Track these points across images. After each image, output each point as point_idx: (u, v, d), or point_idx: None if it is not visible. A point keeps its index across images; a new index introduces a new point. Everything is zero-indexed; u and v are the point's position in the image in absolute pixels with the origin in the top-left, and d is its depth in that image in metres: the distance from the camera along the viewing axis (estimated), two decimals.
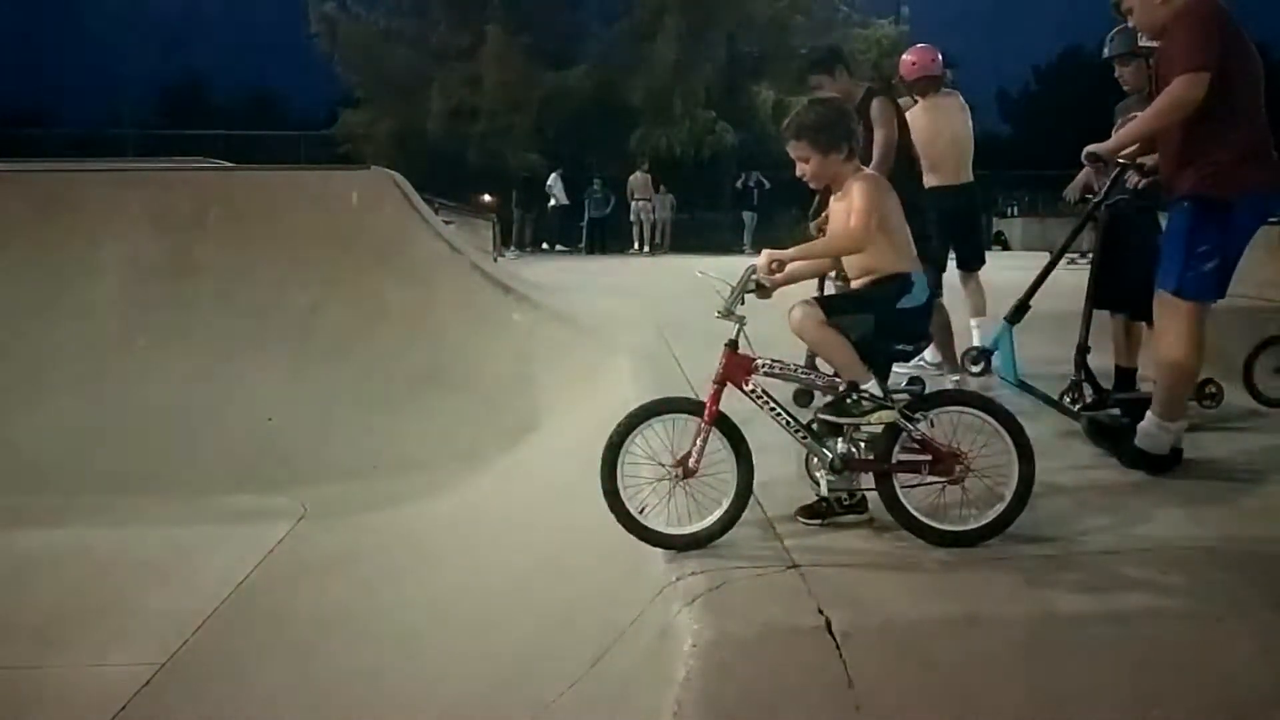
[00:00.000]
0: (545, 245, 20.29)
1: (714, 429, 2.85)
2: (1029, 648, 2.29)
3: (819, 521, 3.00)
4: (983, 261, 5.75)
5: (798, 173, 3.06)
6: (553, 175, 20.67)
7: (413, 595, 3.76)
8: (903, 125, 4.63)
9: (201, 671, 3.31)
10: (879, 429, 2.88)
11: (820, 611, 2.36)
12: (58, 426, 5.60)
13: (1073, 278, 4.52)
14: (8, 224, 6.78)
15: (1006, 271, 6.87)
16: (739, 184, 20.12)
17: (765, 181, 19.66)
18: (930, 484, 2.87)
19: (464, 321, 6.53)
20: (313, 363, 6.13)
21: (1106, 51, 4.24)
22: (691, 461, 2.84)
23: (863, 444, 2.91)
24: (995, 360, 4.10)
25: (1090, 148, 3.58)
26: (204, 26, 48.23)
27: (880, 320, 2.93)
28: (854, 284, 3.09)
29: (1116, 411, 3.90)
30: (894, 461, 2.87)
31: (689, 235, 20.63)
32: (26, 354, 6.06)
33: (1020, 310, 4.11)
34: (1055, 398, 4.01)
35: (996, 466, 2.87)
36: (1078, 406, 4.10)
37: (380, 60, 23.44)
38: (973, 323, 5.50)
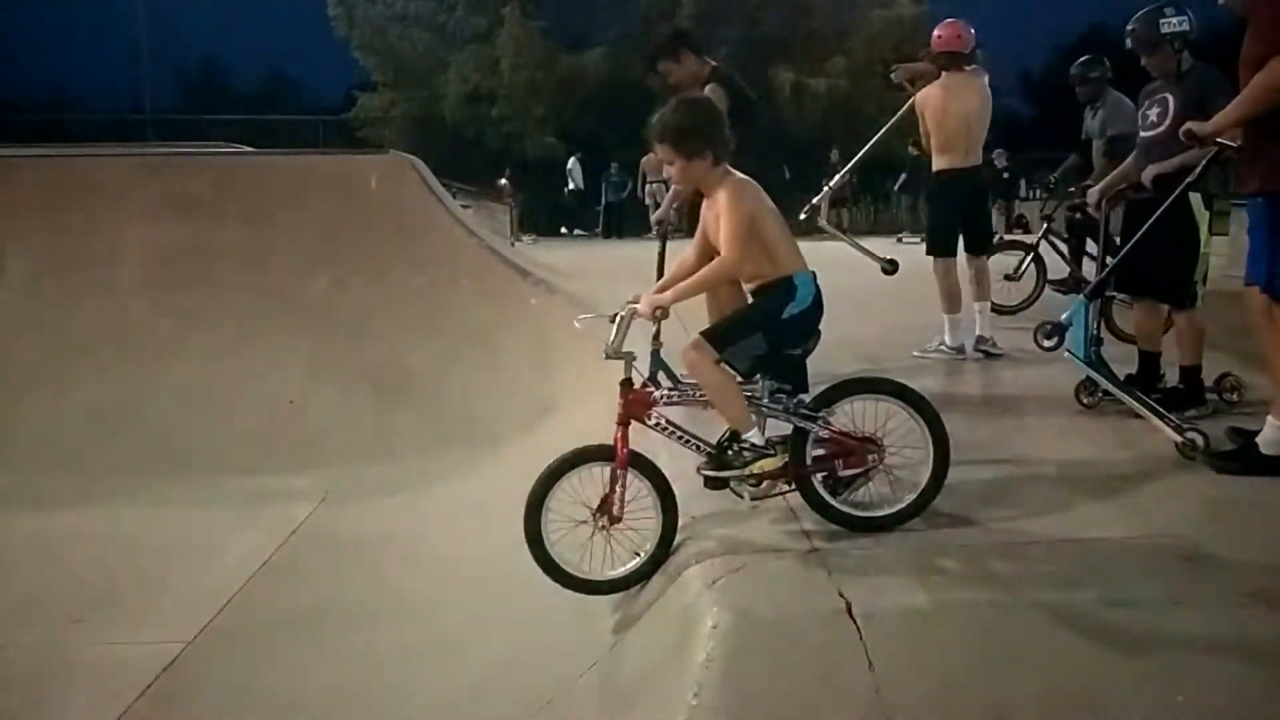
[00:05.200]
0: (564, 230, 20.28)
1: (631, 470, 2.82)
2: (1051, 633, 2.28)
3: None
4: (991, 246, 5.68)
5: (663, 174, 2.97)
6: (571, 159, 20.60)
7: (432, 576, 3.80)
8: (748, 110, 4.50)
9: (227, 650, 3.36)
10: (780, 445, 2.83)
11: (841, 594, 2.36)
12: (83, 409, 5.68)
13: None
14: (33, 209, 6.85)
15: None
16: None
17: (784, 168, 19.55)
18: (848, 475, 2.86)
19: (482, 305, 6.55)
20: (333, 346, 6.17)
21: (1129, 43, 4.15)
22: (615, 509, 2.82)
23: (778, 446, 2.87)
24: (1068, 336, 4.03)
25: (1190, 125, 3.45)
26: (221, 11, 48.26)
27: (769, 335, 2.85)
28: (745, 287, 2.99)
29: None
30: (808, 463, 2.84)
31: None
32: (52, 337, 6.14)
33: (1100, 288, 4.06)
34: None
35: (912, 447, 2.86)
36: (1089, 401, 4.07)
37: (397, 44, 23.39)
38: (976, 308, 5.44)
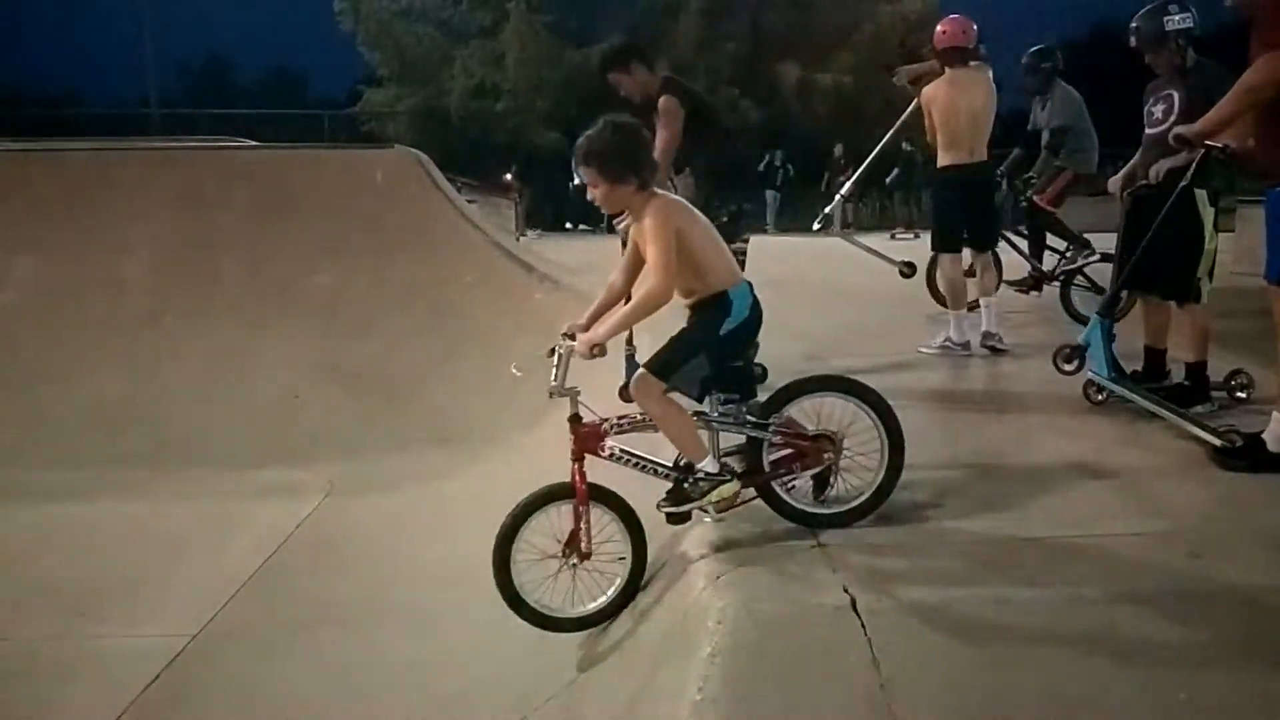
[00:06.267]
0: (569, 224, 20.28)
1: (595, 503, 2.80)
2: (1055, 630, 2.28)
3: None
4: (996, 241, 5.68)
5: (588, 196, 2.91)
6: None
7: (436, 571, 3.81)
8: (706, 113, 4.51)
9: (231, 643, 3.37)
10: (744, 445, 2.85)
11: (846, 590, 2.36)
12: (89, 402, 5.70)
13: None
14: (40, 202, 6.88)
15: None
16: (762, 164, 19.93)
17: (790, 166, 19.57)
18: (812, 475, 2.86)
19: (487, 300, 6.56)
20: (337, 340, 6.19)
21: (1133, 40, 4.14)
22: (583, 545, 2.80)
23: (734, 459, 2.87)
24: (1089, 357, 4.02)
25: (1178, 129, 3.45)
26: (227, 5, 48.29)
27: (711, 353, 2.80)
28: (683, 303, 2.92)
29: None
30: (767, 470, 2.83)
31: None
32: (59, 331, 6.16)
33: (1113, 303, 4.04)
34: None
35: (867, 440, 2.86)
36: (1101, 397, 4.06)
37: (403, 38, 23.40)
38: (982, 303, 5.44)
